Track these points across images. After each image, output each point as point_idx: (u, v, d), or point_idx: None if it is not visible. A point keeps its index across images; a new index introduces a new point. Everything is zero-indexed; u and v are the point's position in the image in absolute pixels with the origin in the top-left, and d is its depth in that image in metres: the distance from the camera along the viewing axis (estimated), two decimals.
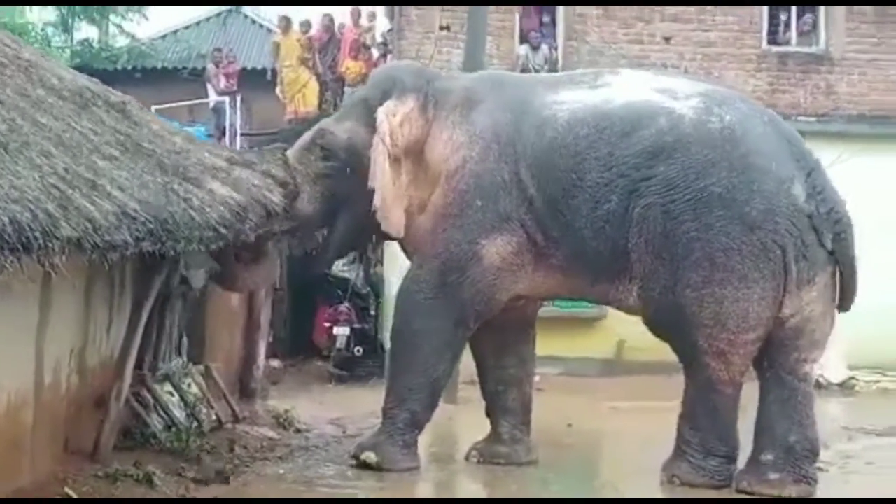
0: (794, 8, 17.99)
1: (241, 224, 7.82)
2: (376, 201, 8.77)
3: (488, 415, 9.63)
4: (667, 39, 17.64)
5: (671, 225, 8.11)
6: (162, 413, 8.87)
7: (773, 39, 18.04)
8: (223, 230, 7.47)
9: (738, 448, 8.48)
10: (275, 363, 14.58)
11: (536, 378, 14.94)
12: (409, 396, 8.92)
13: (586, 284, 8.73)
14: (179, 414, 9.08)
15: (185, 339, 9.81)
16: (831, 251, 8.24)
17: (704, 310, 8.10)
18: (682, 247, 8.11)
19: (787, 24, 18.11)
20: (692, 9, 17.61)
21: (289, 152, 9.34)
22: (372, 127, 9.06)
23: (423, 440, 9.46)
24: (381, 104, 9.12)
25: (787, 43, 18.06)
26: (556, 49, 17.61)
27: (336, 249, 9.86)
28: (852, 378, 16.43)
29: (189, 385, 9.55)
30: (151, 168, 7.34)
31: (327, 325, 16.09)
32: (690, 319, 8.16)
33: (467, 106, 9.05)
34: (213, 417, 9.67)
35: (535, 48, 17.43)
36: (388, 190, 8.80)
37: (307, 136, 9.68)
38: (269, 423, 10.61)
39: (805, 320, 8.30)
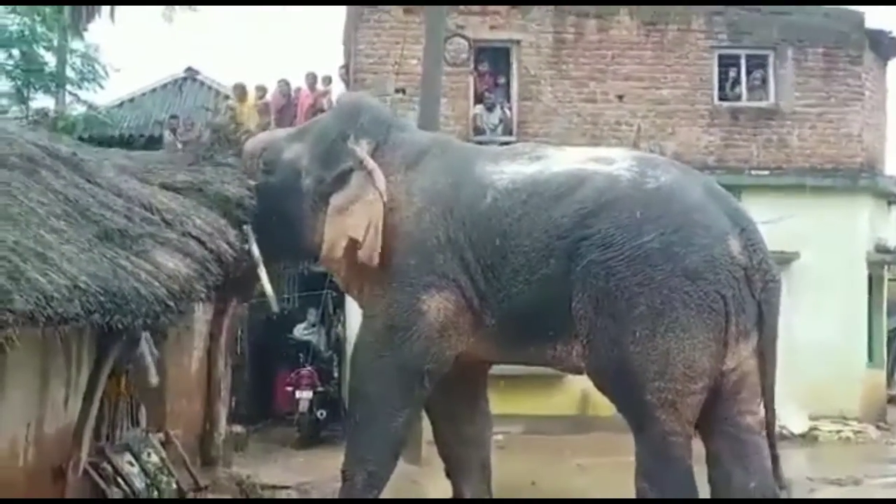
0: (743, 64, 18.34)
1: (188, 298, 7.86)
2: (357, 232, 8.78)
3: (448, 476, 9.61)
4: (620, 97, 17.92)
5: (613, 282, 8.14)
6: (122, 484, 8.77)
7: (723, 95, 18.36)
8: (171, 303, 7.47)
9: (698, 498, 8.46)
10: (237, 429, 14.47)
11: (499, 437, 15.05)
12: (366, 456, 8.89)
13: (524, 348, 8.70)
14: (139, 484, 8.97)
15: (142, 408, 9.72)
16: (759, 304, 8.33)
17: (650, 363, 8.09)
18: (624, 302, 8.13)
19: (738, 80, 18.45)
20: (644, 67, 17.95)
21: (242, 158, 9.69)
22: (316, 156, 9.31)
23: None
24: (336, 139, 9.27)
25: (738, 98, 18.39)
26: (510, 109, 17.79)
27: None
28: (814, 429, 16.51)
29: (149, 454, 9.45)
30: (99, 240, 7.33)
31: (289, 389, 16.03)
32: (637, 374, 8.15)
33: (411, 167, 9.10)
34: (174, 486, 9.56)
35: (490, 109, 17.61)
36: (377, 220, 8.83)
37: (256, 145, 9.90)
38: (231, 490, 10.53)
39: (744, 373, 8.35)
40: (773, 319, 8.45)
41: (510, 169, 8.84)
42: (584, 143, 16.55)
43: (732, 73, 18.51)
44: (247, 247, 9.31)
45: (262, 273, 9.24)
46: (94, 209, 7.68)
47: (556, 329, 8.40)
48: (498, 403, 14.73)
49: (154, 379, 9.16)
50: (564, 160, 8.86)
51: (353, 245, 8.79)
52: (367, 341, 9.02)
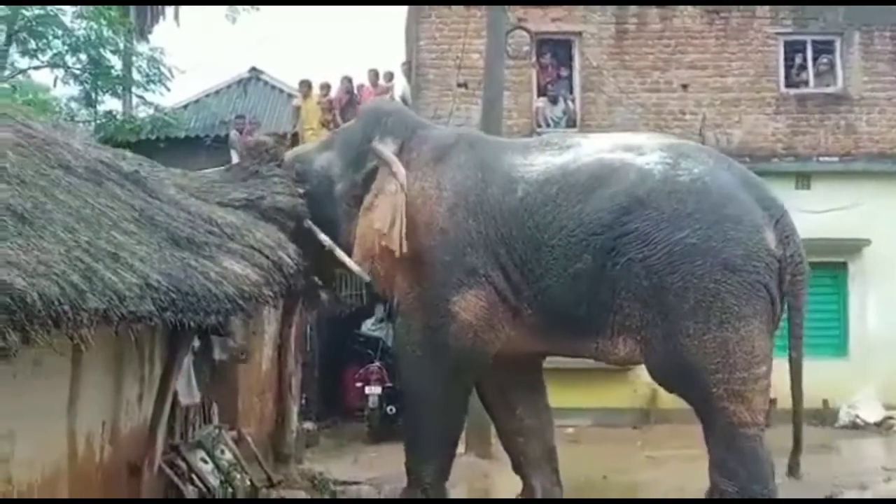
0: (809, 50, 18.09)
1: (256, 300, 7.95)
2: (383, 223, 8.80)
3: (516, 470, 9.61)
4: (684, 87, 17.77)
5: (656, 279, 8.11)
6: (196, 481, 8.87)
7: (790, 82, 18.11)
8: (241, 302, 7.54)
9: (776, 489, 8.37)
10: (308, 425, 14.58)
11: (570, 430, 15.07)
12: (424, 453, 8.99)
13: (566, 340, 8.69)
14: (213, 481, 9.07)
15: (215, 406, 9.82)
16: (784, 295, 8.32)
17: (709, 356, 8.05)
18: (672, 298, 8.09)
19: (804, 66, 18.19)
20: (708, 55, 17.78)
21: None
22: (347, 160, 9.44)
23: (463, 491, 9.47)
24: (362, 142, 9.38)
25: (805, 84, 18.14)
26: (573, 101, 17.72)
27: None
28: (889, 418, 16.28)
29: (222, 451, 9.55)
30: (168, 243, 7.42)
31: (359, 385, 16.11)
32: (697, 367, 8.10)
33: (440, 160, 9.13)
34: (248, 483, 9.65)
35: (554, 101, 17.55)
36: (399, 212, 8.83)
37: (288, 158, 9.95)
38: (303, 486, 10.60)
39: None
40: (801, 309, 8.44)
41: (540, 160, 8.82)
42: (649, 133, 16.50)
43: (798, 59, 18.25)
44: (311, 246, 9.29)
45: (340, 253, 9.22)
46: (160, 218, 7.77)
47: (595, 323, 8.38)
48: (567, 397, 14.84)
49: (188, 399, 9.21)
50: (593, 149, 8.81)
51: (381, 238, 8.81)
52: (404, 341, 9.10)
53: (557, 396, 15.14)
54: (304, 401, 15.18)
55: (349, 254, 9.15)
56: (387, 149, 9.14)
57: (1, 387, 6.01)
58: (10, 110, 8.93)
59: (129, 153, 9.33)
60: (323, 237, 9.30)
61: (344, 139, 9.81)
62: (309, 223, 9.37)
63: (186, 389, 9.09)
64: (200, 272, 7.38)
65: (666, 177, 8.37)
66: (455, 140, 9.47)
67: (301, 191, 9.55)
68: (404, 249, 8.73)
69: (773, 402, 14.49)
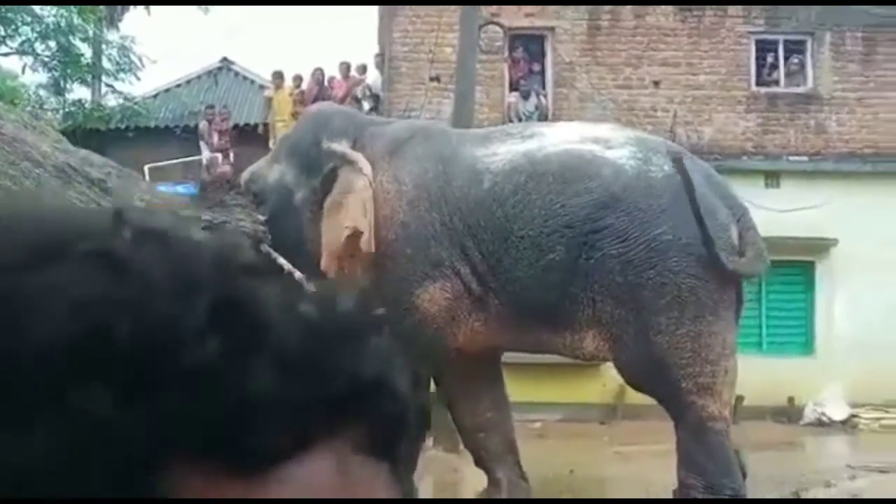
0: (781, 49, 18.15)
1: None
2: (356, 221, 8.71)
3: (478, 464, 9.60)
4: (656, 84, 17.80)
5: (631, 275, 8.18)
6: None
7: (761, 81, 18.18)
8: None
9: (743, 484, 8.39)
10: None
11: (537, 424, 15.07)
12: None
13: (533, 334, 8.67)
14: None
15: None
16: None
17: (681, 350, 8.14)
18: (647, 293, 8.16)
19: (775, 66, 18.25)
20: (680, 53, 17.81)
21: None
22: (300, 168, 9.26)
23: (428, 492, 9.40)
24: (311, 146, 9.22)
25: (776, 84, 18.20)
26: (545, 97, 17.72)
27: None
28: (854, 416, 16.38)
29: None
30: None
31: None
32: (669, 363, 8.17)
33: (395, 154, 9.07)
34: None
35: (525, 97, 17.55)
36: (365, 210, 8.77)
37: (243, 179, 9.74)
38: None
39: None
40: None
41: (502, 150, 8.81)
42: None
43: (770, 59, 18.34)
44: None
45: (298, 275, 9.07)
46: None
47: (564, 317, 8.38)
48: (535, 391, 14.87)
49: None
50: (558, 139, 8.82)
51: (355, 238, 8.72)
52: None
53: (525, 391, 15.24)
54: None
55: (318, 259, 9.00)
56: (341, 147, 9.08)
57: None
58: None
59: (97, 158, 9.24)
60: (283, 261, 9.09)
61: (291, 147, 9.63)
62: (265, 247, 9.10)
63: None
64: None
65: (639, 173, 8.42)
66: (410, 133, 9.43)
67: (262, 217, 9.36)
68: (372, 248, 8.71)
69: (739, 399, 14.63)
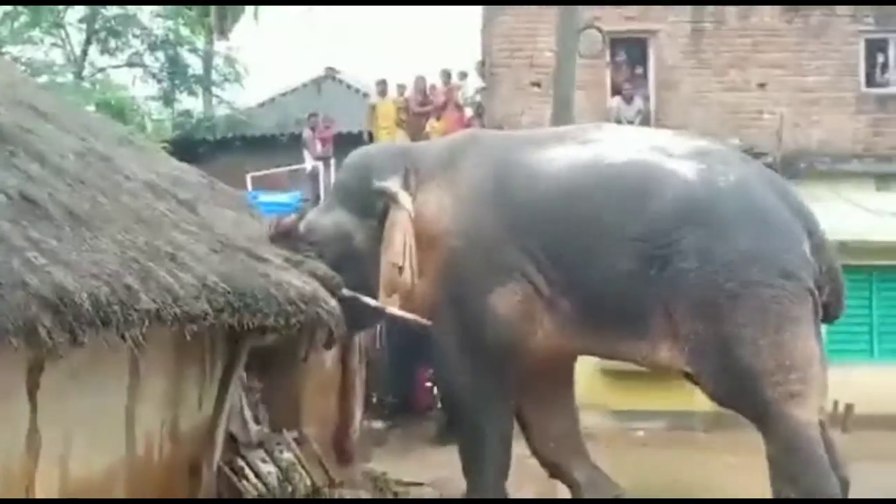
0: (892, 49, 17.68)
1: (316, 305, 7.93)
2: (397, 256, 8.72)
3: (554, 475, 9.62)
4: (761, 86, 17.47)
5: (712, 289, 8.03)
6: (255, 480, 8.88)
7: (871, 81, 17.72)
8: (302, 305, 7.53)
9: (837, 489, 8.16)
10: (377, 425, 14.56)
11: (640, 432, 14.91)
12: (478, 452, 8.91)
13: (602, 339, 8.58)
14: (273, 480, 9.07)
15: (262, 410, 9.82)
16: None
17: (765, 360, 7.98)
18: (727, 305, 8.00)
19: (886, 65, 17.78)
20: (787, 54, 17.46)
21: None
22: (355, 212, 9.28)
23: (530, 494, 9.56)
24: (362, 189, 9.24)
25: (886, 84, 17.72)
26: (648, 100, 17.52)
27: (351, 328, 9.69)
28: None
29: (282, 451, 9.55)
30: (227, 247, 7.43)
31: (428, 384, 16.05)
32: (754, 373, 8.01)
33: (447, 167, 9.07)
34: (308, 483, 9.63)
35: (628, 101, 17.36)
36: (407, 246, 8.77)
37: (301, 230, 9.61)
38: (365, 486, 10.58)
39: None
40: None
41: (559, 154, 8.73)
42: (725, 132, 16.26)
43: (880, 59, 17.85)
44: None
45: (394, 311, 9.07)
46: (219, 230, 7.80)
47: (637, 327, 8.26)
48: (639, 399, 14.77)
49: (244, 437, 9.22)
50: (619, 146, 8.72)
51: (399, 273, 8.75)
52: (441, 344, 8.96)
53: (628, 399, 15.18)
54: (374, 399, 15.18)
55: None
56: (391, 183, 9.06)
57: (59, 385, 6.04)
58: (83, 118, 9.09)
59: (191, 177, 9.39)
60: (367, 299, 9.08)
61: (343, 193, 9.66)
62: (347, 292, 9.09)
63: (241, 429, 9.11)
64: (260, 274, 7.40)
65: (707, 184, 8.30)
66: (460, 144, 9.45)
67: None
68: (415, 281, 8.74)
69: (849, 407, 14.28)
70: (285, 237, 9.17)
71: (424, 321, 8.92)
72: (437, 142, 9.92)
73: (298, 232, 9.40)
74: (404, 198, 8.91)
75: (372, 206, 9.16)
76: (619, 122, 17.22)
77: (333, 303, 8.32)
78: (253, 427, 9.24)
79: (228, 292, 6.59)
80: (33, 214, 5.56)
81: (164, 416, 7.78)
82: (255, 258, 7.70)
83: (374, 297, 8.99)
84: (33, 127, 7.23)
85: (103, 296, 5.20)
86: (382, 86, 19.41)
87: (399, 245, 8.77)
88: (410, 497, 10.66)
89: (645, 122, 17.31)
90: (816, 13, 17.59)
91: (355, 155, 10.20)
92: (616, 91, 17.66)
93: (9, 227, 5.13)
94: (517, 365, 8.81)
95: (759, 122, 17.29)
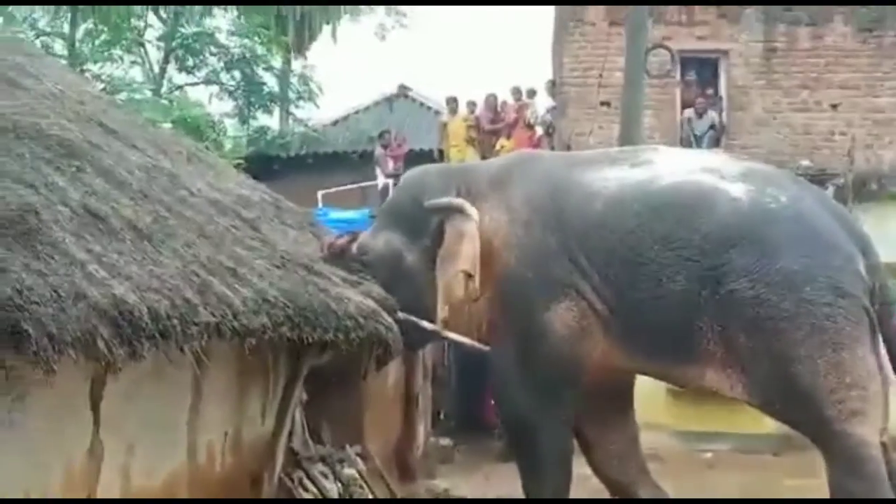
0: None
1: (375, 321, 8.02)
2: (471, 264, 8.70)
3: (614, 491, 9.55)
4: (834, 107, 17.30)
5: (764, 309, 7.90)
6: (316, 493, 8.97)
7: None
8: (361, 320, 7.62)
9: None
10: (444, 441, 14.61)
11: (708, 454, 14.78)
12: (537, 471, 8.91)
13: (651, 360, 8.49)
14: (334, 494, 9.15)
15: (325, 426, 9.91)
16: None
17: (825, 379, 7.82)
18: (783, 325, 7.89)
19: None
20: (860, 74, 17.32)
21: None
22: (406, 232, 9.27)
23: None
24: (413, 209, 9.27)
25: None
26: (721, 114, 17.44)
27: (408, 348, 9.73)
28: None
29: (344, 466, 9.64)
30: (288, 262, 7.54)
31: (495, 404, 16.03)
32: (813, 392, 7.89)
33: (503, 184, 9.06)
34: (370, 497, 9.70)
35: (700, 114, 17.26)
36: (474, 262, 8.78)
37: (353, 253, 9.62)
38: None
39: None
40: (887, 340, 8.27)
41: (612, 175, 8.69)
42: (796, 154, 16.15)
43: None
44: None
45: (450, 334, 9.12)
46: (280, 247, 7.91)
47: (686, 347, 8.17)
48: (706, 420, 14.61)
49: (308, 451, 9.33)
50: (671, 168, 8.67)
51: (467, 283, 8.70)
52: (499, 365, 8.93)
53: (695, 420, 15.05)
54: (441, 416, 15.23)
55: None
56: (446, 199, 9.09)
57: (122, 397, 6.17)
58: (152, 134, 9.28)
59: (255, 195, 9.53)
60: (424, 323, 9.12)
61: (394, 215, 9.69)
62: (403, 314, 9.06)
63: (303, 444, 9.22)
64: (321, 290, 7.50)
65: (757, 204, 8.21)
66: (512, 162, 9.49)
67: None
68: (477, 294, 8.74)
69: None
70: (338, 257, 9.24)
71: (480, 346, 8.97)
72: (488, 162, 9.96)
73: (351, 252, 9.46)
74: (471, 208, 8.94)
75: (424, 226, 9.20)
76: (690, 135, 17.19)
77: (391, 319, 8.38)
78: (310, 443, 9.34)
79: (288, 307, 6.70)
80: (96, 228, 5.69)
81: (226, 429, 7.90)
82: (316, 274, 7.80)
83: (427, 316, 9.03)
84: (101, 142, 7.39)
85: (163, 309, 5.31)
86: (453, 104, 19.53)
87: (470, 253, 8.75)
88: None
89: (717, 137, 17.25)
90: (890, 34, 17.42)
91: (408, 176, 10.27)
92: (688, 105, 17.58)
93: (71, 240, 5.27)
94: (575, 383, 8.81)
95: (830, 143, 17.15)
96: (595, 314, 8.50)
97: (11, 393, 5.09)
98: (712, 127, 17.38)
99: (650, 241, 8.28)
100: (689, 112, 17.46)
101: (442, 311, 8.93)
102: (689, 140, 17.10)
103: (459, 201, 9.00)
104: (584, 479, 9.55)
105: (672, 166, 8.75)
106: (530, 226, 8.77)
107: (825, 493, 8.14)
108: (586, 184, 8.75)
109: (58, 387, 4.80)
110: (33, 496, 5.61)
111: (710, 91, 17.79)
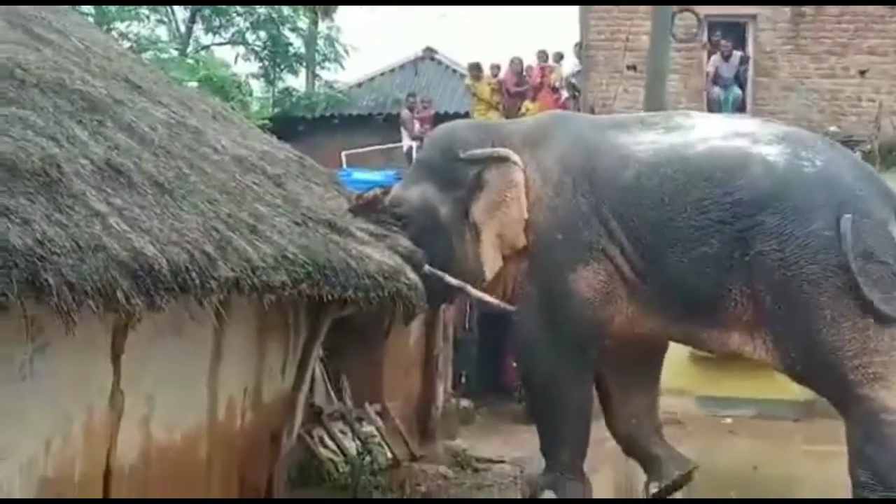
0: None
1: (397, 280, 8.02)
2: (523, 212, 8.76)
3: (629, 453, 9.57)
4: (862, 73, 17.15)
5: (791, 272, 7.90)
6: (336, 450, 9.04)
7: None
8: (382, 279, 7.64)
9: None
10: (465, 403, 14.65)
11: (728, 420, 14.78)
12: (556, 433, 8.93)
13: (679, 323, 8.49)
14: (352, 451, 9.22)
15: (345, 381, 9.97)
16: None
17: (849, 342, 7.82)
18: (809, 288, 7.88)
19: None
20: (889, 41, 17.12)
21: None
22: (440, 185, 9.15)
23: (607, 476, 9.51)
24: (448, 161, 9.16)
25: None
26: (747, 62, 17.34)
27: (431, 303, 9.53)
28: None
29: (364, 424, 9.70)
30: (310, 220, 7.56)
31: (516, 365, 16.06)
32: (835, 355, 7.88)
33: (533, 145, 9.01)
34: (389, 455, 9.77)
35: (727, 58, 17.14)
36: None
37: (378, 204, 9.43)
38: (446, 462, 10.67)
39: None
40: None
41: (646, 139, 8.67)
42: (823, 120, 16.07)
43: None
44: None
45: (476, 292, 9.12)
46: (304, 204, 7.92)
47: (715, 310, 8.17)
48: (729, 386, 14.58)
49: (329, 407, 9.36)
50: (704, 133, 8.65)
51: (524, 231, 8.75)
52: (523, 325, 8.96)
53: (718, 386, 15.03)
54: (462, 378, 15.27)
55: (472, 276, 8.98)
56: (488, 149, 9.05)
57: (142, 350, 6.24)
58: (178, 92, 9.30)
59: (282, 154, 9.53)
60: (450, 279, 9.06)
61: (427, 167, 9.55)
62: (429, 268, 8.92)
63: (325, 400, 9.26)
64: (342, 248, 7.52)
65: (791, 168, 8.18)
66: (548, 123, 9.41)
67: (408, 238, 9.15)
68: (524, 242, 8.77)
69: None
70: (369, 209, 9.19)
71: (505, 305, 8.98)
72: (522, 120, 9.91)
73: (384, 204, 9.45)
74: (515, 157, 8.90)
75: (458, 179, 9.10)
76: (716, 80, 17.02)
77: (415, 278, 8.39)
78: (333, 399, 9.40)
79: (308, 264, 6.72)
80: (117, 182, 5.73)
81: (246, 385, 7.98)
82: (338, 232, 7.81)
83: (457, 269, 9.00)
84: (125, 98, 7.43)
85: (182, 262, 5.36)
86: (476, 70, 19.42)
87: (524, 200, 8.78)
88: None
89: (739, 107, 17.10)
90: None
91: (438, 130, 10.27)
92: (714, 50, 17.42)
93: (92, 193, 5.32)
94: (598, 346, 8.82)
95: (857, 109, 17.01)
96: (622, 278, 8.51)
97: (33, 343, 5.17)
98: (739, 69, 17.17)
99: (683, 205, 8.26)
100: (716, 59, 17.23)
101: (497, 261, 8.96)
102: (715, 95, 16.94)
103: (505, 150, 8.97)
104: (598, 442, 9.58)
105: (706, 131, 8.72)
106: (562, 187, 8.76)
107: (841, 461, 8.15)
108: (620, 147, 8.73)
109: (79, 338, 4.84)
110: (54, 446, 5.71)
111: (737, 53, 17.62)
